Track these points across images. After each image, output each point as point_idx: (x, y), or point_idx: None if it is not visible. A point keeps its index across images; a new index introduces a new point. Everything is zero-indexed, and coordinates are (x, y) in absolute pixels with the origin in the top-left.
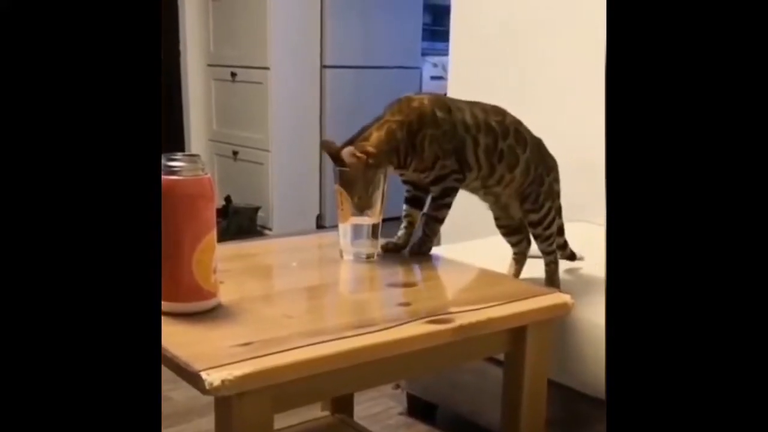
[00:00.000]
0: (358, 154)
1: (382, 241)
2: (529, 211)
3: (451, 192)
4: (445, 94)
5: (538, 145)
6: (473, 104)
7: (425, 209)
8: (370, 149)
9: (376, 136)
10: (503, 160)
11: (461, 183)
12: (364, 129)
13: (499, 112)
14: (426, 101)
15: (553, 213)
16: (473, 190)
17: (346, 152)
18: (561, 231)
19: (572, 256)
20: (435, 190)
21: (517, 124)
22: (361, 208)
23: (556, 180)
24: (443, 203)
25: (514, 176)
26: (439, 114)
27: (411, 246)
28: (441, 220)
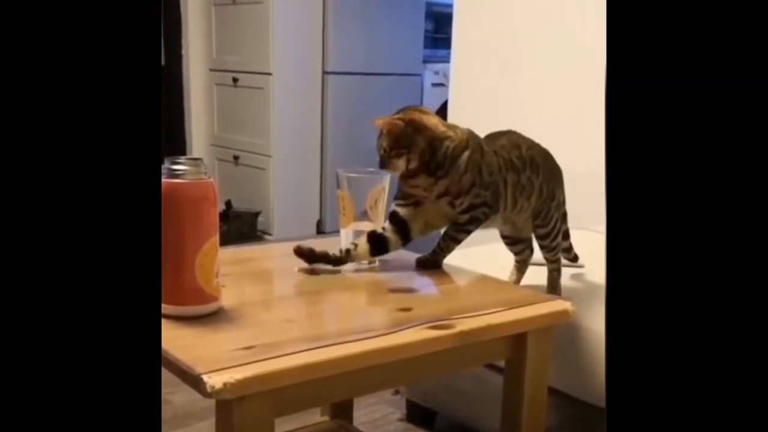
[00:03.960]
0: (395, 120)
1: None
2: (539, 226)
3: (476, 222)
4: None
5: (545, 157)
6: (493, 141)
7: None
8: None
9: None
10: (524, 192)
11: (487, 218)
12: None
13: (515, 145)
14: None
15: (559, 224)
16: (490, 223)
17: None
18: (566, 235)
19: (575, 258)
20: (463, 218)
21: (528, 148)
22: (383, 164)
23: (562, 190)
24: (466, 229)
25: (530, 203)
26: (485, 147)
27: (420, 257)
28: (458, 241)
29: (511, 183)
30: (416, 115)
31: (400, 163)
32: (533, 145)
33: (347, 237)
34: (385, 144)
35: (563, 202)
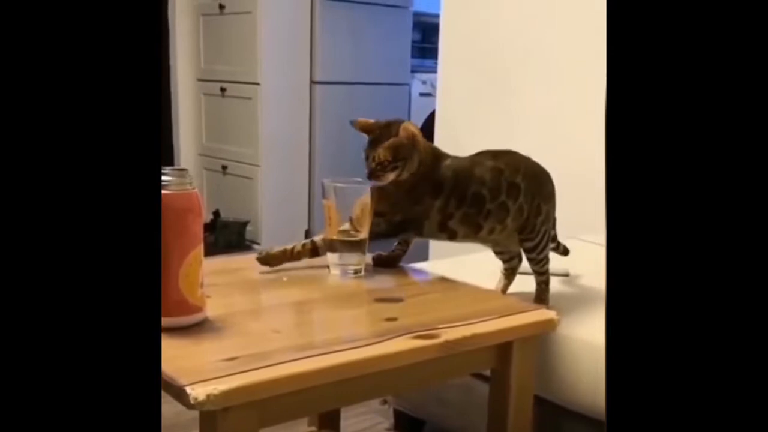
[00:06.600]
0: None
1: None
2: (525, 240)
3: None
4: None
5: (536, 176)
6: (476, 166)
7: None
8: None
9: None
10: (490, 217)
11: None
12: None
13: (497, 171)
14: None
15: (547, 237)
16: (475, 241)
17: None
18: (553, 238)
19: (565, 251)
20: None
21: (512, 173)
22: (372, 175)
23: (553, 205)
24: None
25: (505, 225)
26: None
27: (378, 255)
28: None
29: (458, 216)
30: (414, 130)
31: (391, 176)
32: (518, 169)
33: None
34: (383, 156)
35: (552, 217)
